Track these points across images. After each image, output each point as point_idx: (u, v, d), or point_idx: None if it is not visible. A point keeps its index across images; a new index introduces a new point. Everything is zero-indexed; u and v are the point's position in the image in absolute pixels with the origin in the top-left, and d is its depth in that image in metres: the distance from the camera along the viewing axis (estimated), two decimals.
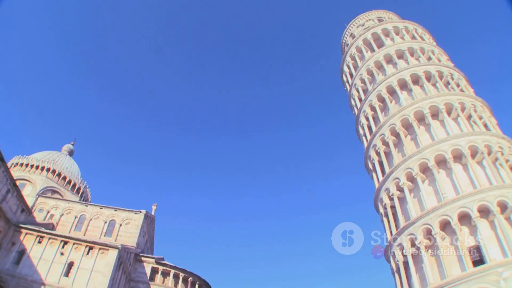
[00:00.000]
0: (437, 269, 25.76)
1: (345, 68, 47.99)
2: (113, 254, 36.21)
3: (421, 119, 33.94)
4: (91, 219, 45.34)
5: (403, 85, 37.62)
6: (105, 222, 45.17)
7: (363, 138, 39.92)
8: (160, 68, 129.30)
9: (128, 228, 44.92)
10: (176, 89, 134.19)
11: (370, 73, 42.14)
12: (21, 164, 52.43)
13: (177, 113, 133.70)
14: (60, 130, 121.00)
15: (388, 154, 35.02)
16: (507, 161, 29.65)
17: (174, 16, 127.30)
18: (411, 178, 30.81)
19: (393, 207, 31.97)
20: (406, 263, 28.14)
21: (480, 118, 33.61)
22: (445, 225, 26.70)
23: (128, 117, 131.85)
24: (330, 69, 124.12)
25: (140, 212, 46.43)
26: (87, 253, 36.19)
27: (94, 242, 37.41)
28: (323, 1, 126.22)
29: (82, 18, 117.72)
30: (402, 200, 31.14)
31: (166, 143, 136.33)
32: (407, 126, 34.29)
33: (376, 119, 38.89)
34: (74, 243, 36.72)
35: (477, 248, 24.75)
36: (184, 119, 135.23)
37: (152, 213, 49.66)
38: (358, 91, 42.99)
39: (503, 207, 25.39)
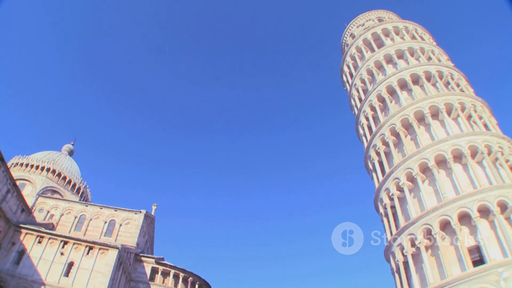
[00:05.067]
0: (437, 269, 25.75)
1: (345, 68, 47.99)
2: (113, 254, 36.21)
3: (421, 119, 33.93)
4: (91, 219, 45.34)
5: (403, 85, 37.62)
6: (105, 222, 45.18)
7: (363, 138, 39.91)
8: (160, 68, 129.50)
9: (128, 228, 44.92)
10: (176, 89, 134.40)
11: (370, 73, 42.13)
12: (21, 164, 52.43)
13: (177, 113, 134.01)
14: (60, 130, 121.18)
15: (388, 154, 35.01)
16: (507, 161, 29.66)
17: (174, 16, 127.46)
18: (411, 178, 30.80)
19: (393, 207, 31.97)
20: (406, 263, 28.14)
21: (480, 118, 33.61)
22: (445, 225, 26.70)
23: (128, 117, 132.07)
24: (330, 69, 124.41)
25: (140, 212, 46.44)
26: (87, 253, 36.20)
27: (94, 242, 37.41)
28: (323, 1, 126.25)
29: (82, 18, 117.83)
30: (402, 200, 31.13)
31: (166, 143, 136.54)
32: (407, 126, 34.28)
33: (376, 119, 38.88)
34: (74, 243, 36.73)
35: (477, 248, 24.75)
36: (184, 119, 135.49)
37: (152, 213, 49.67)
38: (358, 91, 42.99)
39: (503, 207, 25.39)
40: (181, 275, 43.26)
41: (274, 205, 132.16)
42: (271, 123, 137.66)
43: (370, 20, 51.83)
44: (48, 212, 45.97)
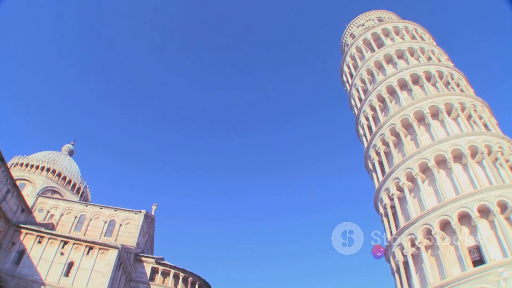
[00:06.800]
0: (437, 269, 25.75)
1: (345, 68, 47.98)
2: (113, 254, 36.22)
3: (421, 119, 33.93)
4: (91, 219, 45.36)
5: (403, 85, 37.61)
6: (105, 222, 45.19)
7: (363, 138, 39.90)
8: (160, 68, 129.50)
9: (128, 228, 44.93)
10: (176, 89, 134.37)
11: (370, 73, 42.12)
12: (21, 164, 52.44)
13: (178, 113, 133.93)
14: (60, 130, 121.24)
15: (388, 154, 35.00)
16: (507, 161, 29.64)
17: (174, 16, 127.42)
18: (411, 178, 30.79)
19: (393, 207, 31.96)
20: (406, 263, 28.13)
21: (480, 118, 33.60)
22: (445, 225, 26.69)
23: (128, 117, 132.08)
24: (330, 69, 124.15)
25: (140, 212, 46.44)
26: (87, 253, 36.22)
27: (94, 242, 37.43)
28: (323, 1, 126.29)
29: (82, 18, 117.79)
30: (402, 200, 31.13)
31: (166, 143, 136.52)
32: (407, 126, 34.27)
33: (376, 119, 38.87)
34: (74, 243, 36.75)
35: (477, 248, 24.74)
36: (184, 119, 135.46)
37: (152, 213, 49.68)
38: (358, 91, 42.97)
39: (503, 207, 25.39)
40: (181, 275, 43.27)
41: (274, 205, 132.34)
42: (271, 123, 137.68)
43: (370, 20, 51.82)
44: (48, 212, 45.99)
